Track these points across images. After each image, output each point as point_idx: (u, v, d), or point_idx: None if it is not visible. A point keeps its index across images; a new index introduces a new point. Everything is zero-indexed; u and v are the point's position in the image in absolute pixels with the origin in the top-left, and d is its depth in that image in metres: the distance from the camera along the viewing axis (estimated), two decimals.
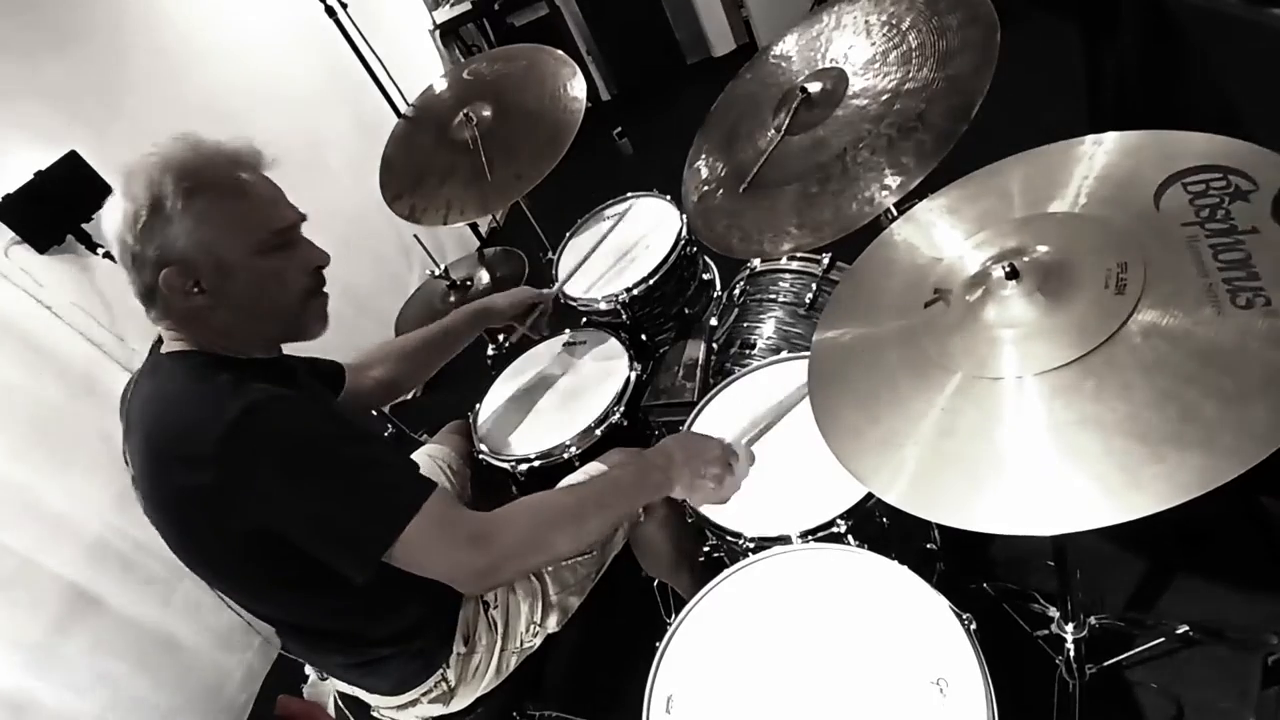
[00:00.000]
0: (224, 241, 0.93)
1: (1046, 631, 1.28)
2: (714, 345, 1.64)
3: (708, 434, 1.21)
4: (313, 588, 0.98)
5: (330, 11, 2.38)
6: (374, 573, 0.92)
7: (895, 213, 1.14)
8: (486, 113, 1.86)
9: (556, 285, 1.66)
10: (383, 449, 1.00)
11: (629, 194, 2.01)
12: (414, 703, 1.15)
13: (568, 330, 1.83)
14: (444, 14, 4.01)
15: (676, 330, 1.84)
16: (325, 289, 1.06)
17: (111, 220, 0.93)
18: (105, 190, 1.91)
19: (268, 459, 0.87)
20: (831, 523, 1.11)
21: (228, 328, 0.98)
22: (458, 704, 1.18)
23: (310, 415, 0.94)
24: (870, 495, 1.10)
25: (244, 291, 0.96)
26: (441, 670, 1.13)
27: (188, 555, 0.99)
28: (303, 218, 1.04)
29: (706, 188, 1.46)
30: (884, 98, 1.21)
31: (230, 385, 0.91)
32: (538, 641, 1.24)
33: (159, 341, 1.02)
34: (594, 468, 1.36)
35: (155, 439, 0.94)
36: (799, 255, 1.62)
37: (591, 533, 1.10)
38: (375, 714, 1.21)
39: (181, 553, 0.99)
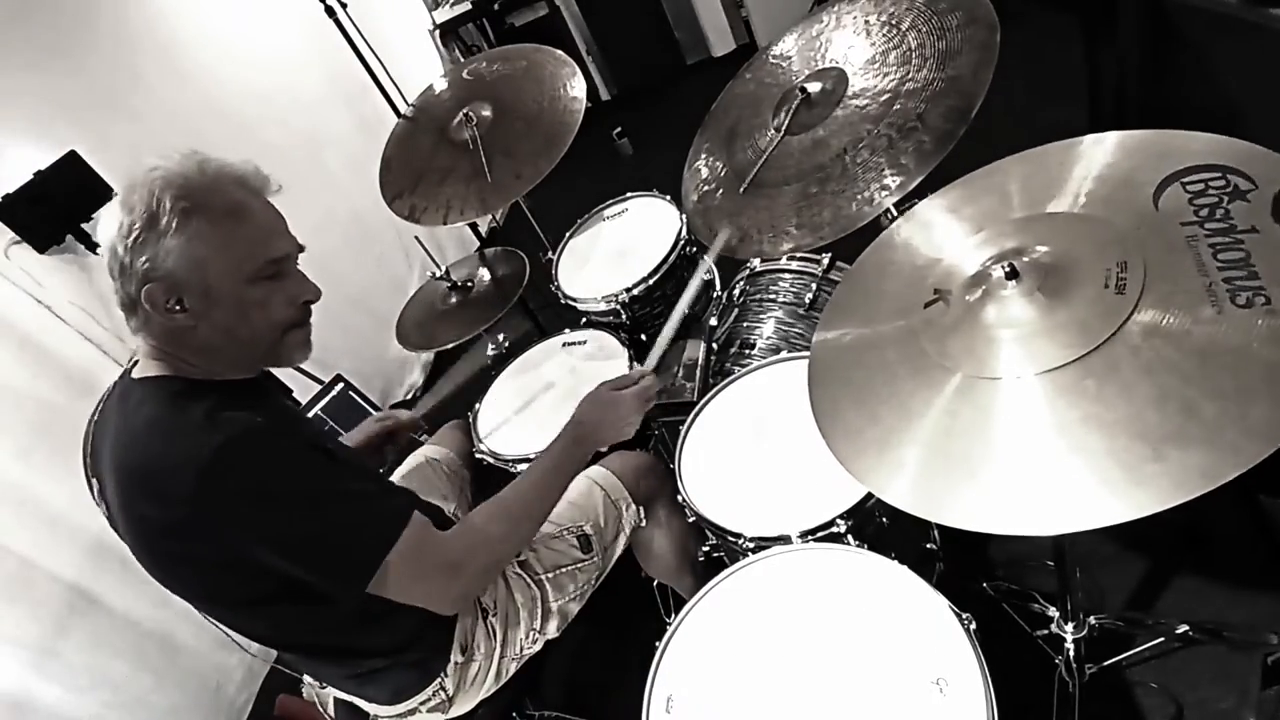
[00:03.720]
0: (214, 265, 0.92)
1: (1046, 631, 1.28)
2: (714, 345, 1.64)
3: (614, 389, 1.18)
4: (298, 608, 0.97)
5: (330, 12, 2.39)
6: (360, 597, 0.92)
7: (895, 213, 1.14)
8: (486, 113, 1.86)
9: (416, 411, 1.59)
10: (357, 476, 0.99)
11: (629, 194, 2.01)
12: (412, 712, 1.14)
13: (567, 330, 1.83)
14: (444, 14, 4.01)
15: (676, 330, 1.83)
16: (310, 320, 1.04)
17: (107, 227, 0.91)
18: (105, 190, 1.94)
19: (246, 497, 0.86)
20: (831, 523, 1.11)
21: (204, 348, 0.96)
22: (456, 711, 1.18)
23: (285, 448, 0.92)
24: (870, 495, 1.10)
25: (226, 316, 0.94)
26: (439, 679, 1.12)
27: (170, 584, 0.98)
28: (300, 249, 1.02)
29: (706, 188, 1.46)
30: (884, 98, 1.21)
31: (204, 418, 0.89)
32: (537, 647, 1.23)
33: (131, 365, 1.00)
34: (593, 471, 1.37)
35: (128, 473, 0.91)
36: (799, 255, 1.62)
37: (544, 516, 1.11)
38: None
39: (164, 581, 0.98)
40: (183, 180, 0.91)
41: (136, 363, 0.99)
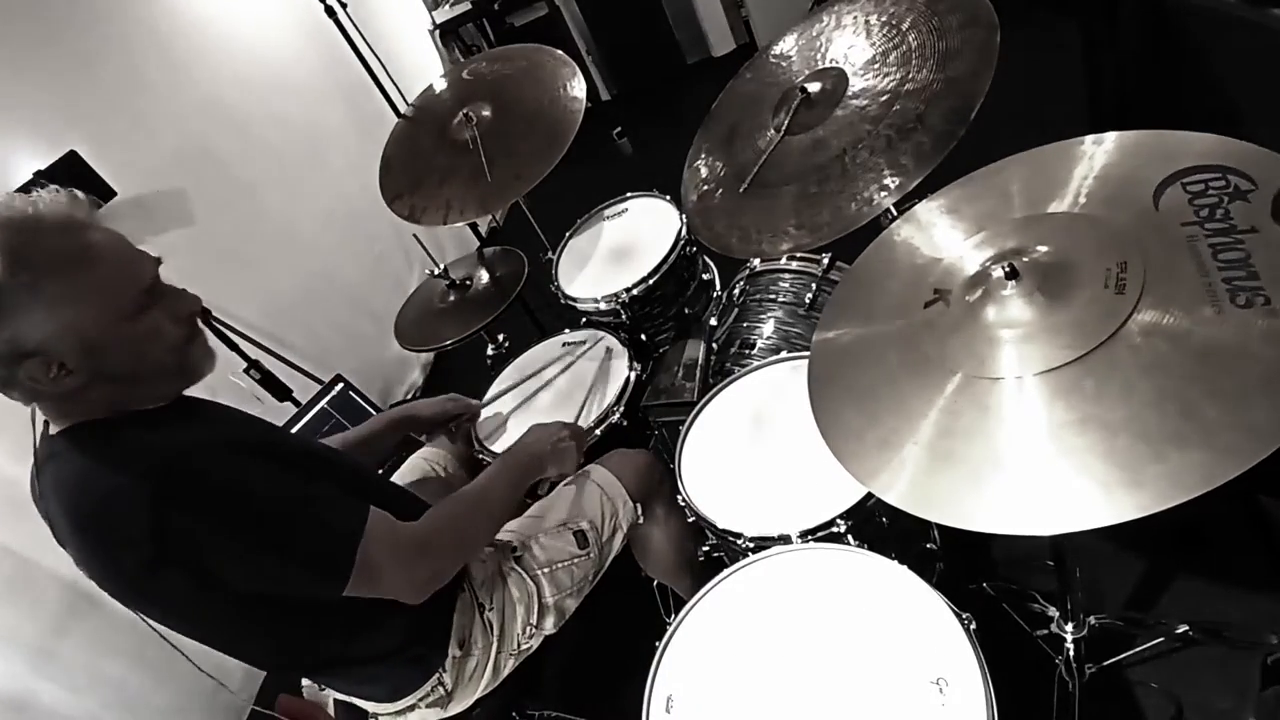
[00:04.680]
0: (86, 320, 0.84)
1: (1046, 631, 1.28)
2: (714, 345, 1.64)
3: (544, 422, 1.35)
4: (284, 627, 0.96)
5: (330, 11, 2.38)
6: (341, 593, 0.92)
7: (895, 213, 1.14)
8: (486, 113, 1.86)
9: (484, 400, 1.67)
10: (309, 481, 0.95)
11: (629, 194, 2.02)
12: (412, 708, 1.14)
13: (567, 330, 1.83)
14: (444, 14, 4.02)
15: (676, 330, 1.84)
16: (200, 328, 1.00)
17: None
18: (106, 191, 1.94)
19: (202, 516, 0.84)
20: (831, 523, 1.11)
21: (108, 397, 0.91)
22: (455, 707, 1.18)
23: (231, 459, 0.89)
24: (870, 495, 1.10)
25: (120, 360, 0.89)
26: (438, 675, 1.13)
27: (169, 623, 0.96)
28: (158, 262, 0.94)
29: (706, 187, 1.46)
30: (883, 98, 1.21)
31: (135, 451, 0.86)
32: (535, 643, 1.23)
33: (46, 424, 0.94)
34: (591, 469, 1.37)
35: (82, 532, 0.86)
36: (799, 255, 1.62)
37: (500, 518, 1.19)
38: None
39: (164, 622, 0.96)
40: (8, 244, 0.81)
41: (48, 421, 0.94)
